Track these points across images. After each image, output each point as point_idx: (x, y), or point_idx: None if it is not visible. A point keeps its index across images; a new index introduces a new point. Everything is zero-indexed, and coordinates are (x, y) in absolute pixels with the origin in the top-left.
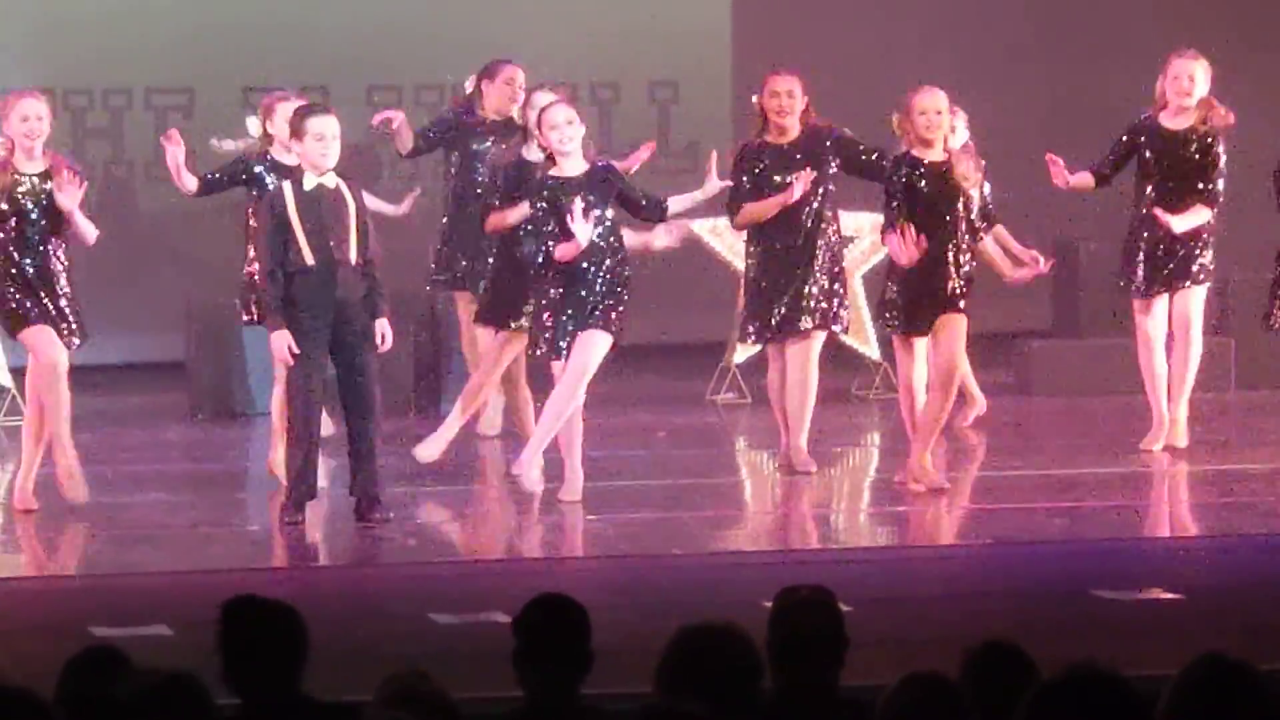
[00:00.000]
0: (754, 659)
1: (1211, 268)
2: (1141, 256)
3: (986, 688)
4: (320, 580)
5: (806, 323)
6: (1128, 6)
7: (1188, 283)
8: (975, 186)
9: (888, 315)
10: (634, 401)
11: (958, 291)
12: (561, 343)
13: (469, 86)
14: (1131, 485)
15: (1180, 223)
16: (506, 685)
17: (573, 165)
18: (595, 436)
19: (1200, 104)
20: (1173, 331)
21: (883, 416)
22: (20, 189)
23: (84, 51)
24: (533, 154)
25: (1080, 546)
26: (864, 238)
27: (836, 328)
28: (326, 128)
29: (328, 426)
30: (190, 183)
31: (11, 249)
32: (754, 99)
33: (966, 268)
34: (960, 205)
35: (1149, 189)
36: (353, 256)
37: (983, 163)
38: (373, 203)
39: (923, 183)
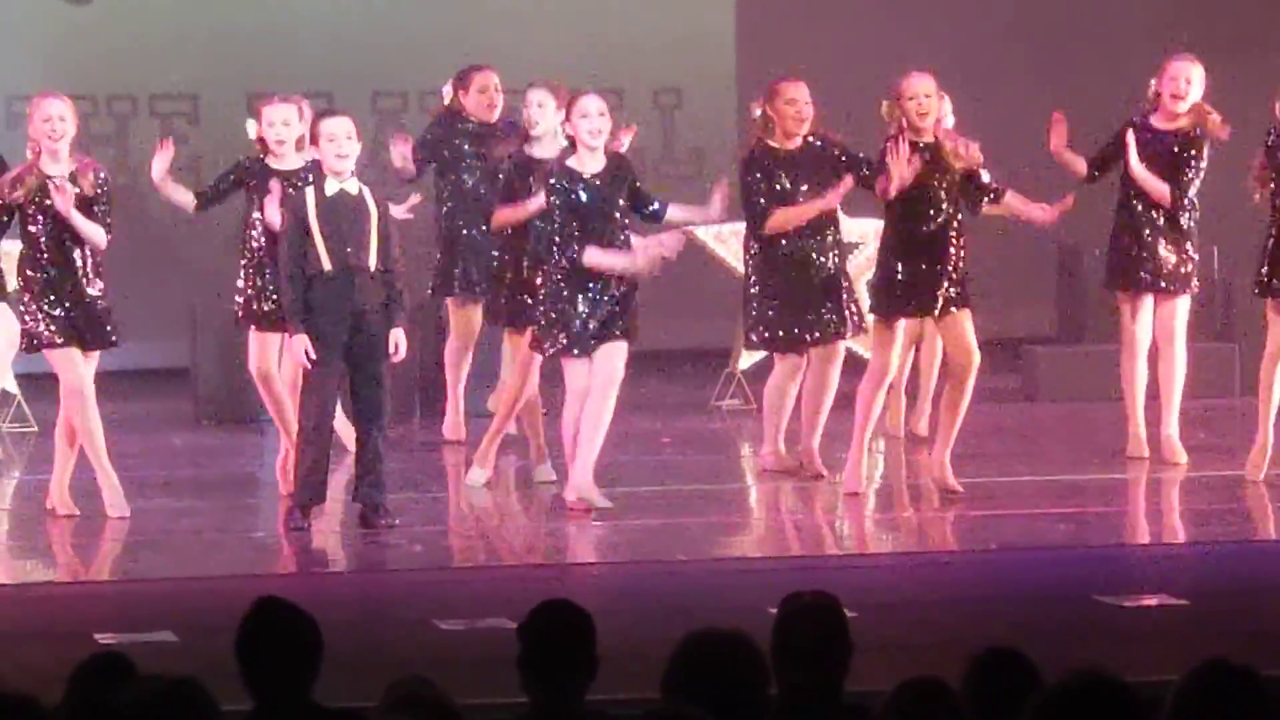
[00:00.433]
0: (760, 666)
1: (1195, 278)
2: (1128, 255)
3: (990, 693)
4: (325, 586)
5: (845, 330)
6: (1132, 8)
7: (1173, 289)
8: (972, 167)
9: (882, 297)
10: (638, 407)
11: (959, 276)
12: (589, 341)
13: (446, 95)
14: (1135, 491)
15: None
16: (511, 691)
17: (593, 161)
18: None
19: (1193, 108)
20: (1157, 344)
21: (883, 418)
22: (45, 191)
23: (88, 58)
24: (537, 150)
25: (1084, 552)
26: (868, 244)
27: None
28: (338, 128)
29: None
30: (187, 199)
31: (38, 253)
32: (759, 105)
33: (962, 251)
34: (950, 184)
35: (1131, 188)
36: (372, 263)
37: (974, 145)
38: None
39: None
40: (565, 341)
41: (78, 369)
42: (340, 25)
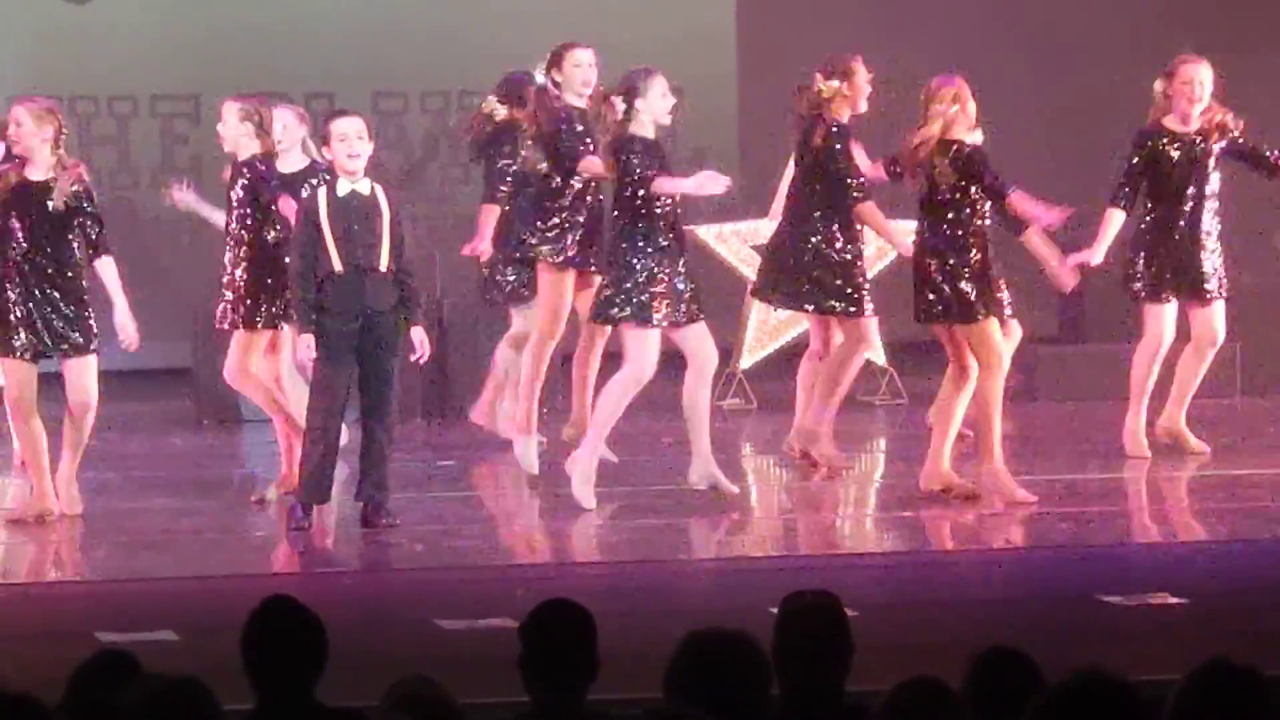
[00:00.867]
0: (762, 666)
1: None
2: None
3: (992, 693)
4: (327, 585)
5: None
6: (1132, 8)
7: (1214, 294)
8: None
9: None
10: (640, 407)
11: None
12: (681, 308)
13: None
14: (1137, 490)
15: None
16: (513, 691)
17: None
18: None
19: (1209, 109)
20: (1193, 343)
21: (889, 422)
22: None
23: (89, 58)
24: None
25: (1086, 551)
26: (870, 242)
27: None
28: (349, 128)
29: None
30: (219, 217)
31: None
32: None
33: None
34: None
35: (1158, 194)
36: (383, 264)
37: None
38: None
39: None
40: (665, 312)
41: (16, 383)
42: (341, 25)
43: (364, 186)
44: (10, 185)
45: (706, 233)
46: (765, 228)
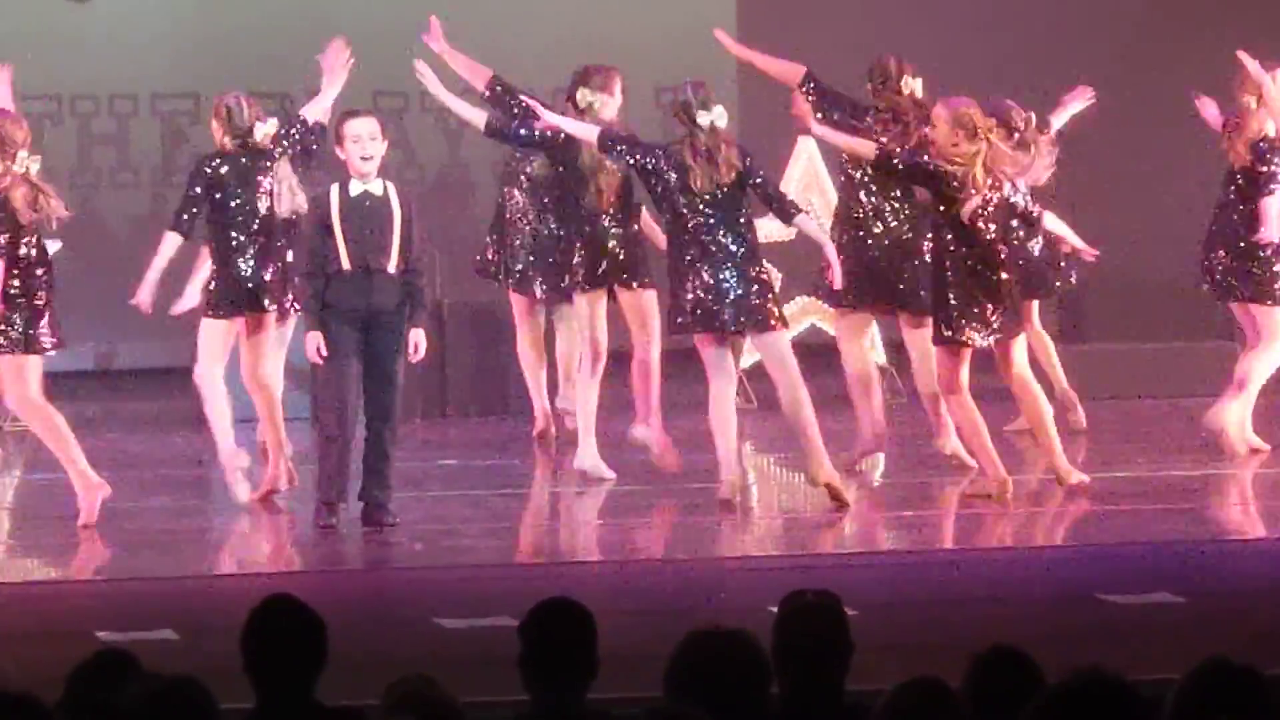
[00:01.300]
0: (762, 665)
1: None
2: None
3: (992, 693)
4: (327, 585)
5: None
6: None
7: (1268, 301)
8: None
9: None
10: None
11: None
12: (741, 317)
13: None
14: (1136, 490)
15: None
16: (513, 690)
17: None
18: (600, 442)
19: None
20: (1259, 339)
21: (887, 420)
22: None
23: (90, 57)
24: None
25: (1086, 551)
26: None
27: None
28: (361, 129)
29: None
30: (171, 245)
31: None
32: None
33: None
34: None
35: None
36: (392, 265)
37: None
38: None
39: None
40: (746, 320)
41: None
42: (341, 25)
43: (376, 187)
44: None
45: None
46: (765, 226)
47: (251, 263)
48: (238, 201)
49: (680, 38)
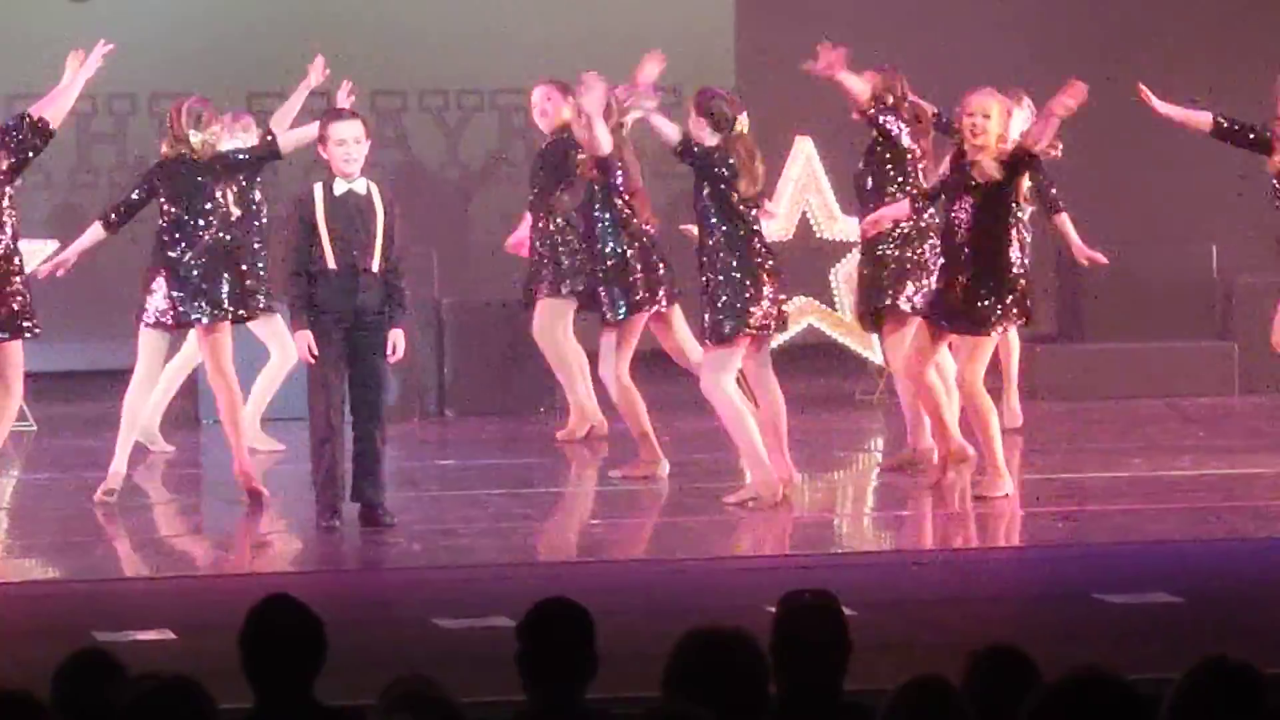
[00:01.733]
0: (760, 664)
1: None
2: None
3: (989, 692)
4: (324, 585)
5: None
6: (1133, 9)
7: None
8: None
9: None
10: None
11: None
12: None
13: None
14: (1134, 489)
15: None
16: (512, 689)
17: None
18: (600, 440)
19: None
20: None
21: (885, 421)
22: None
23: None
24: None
25: (1083, 550)
26: None
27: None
28: (347, 132)
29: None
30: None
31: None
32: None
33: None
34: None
35: None
36: (375, 264)
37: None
38: None
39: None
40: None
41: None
42: (339, 24)
43: (360, 186)
44: None
45: None
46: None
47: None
48: (175, 208)
49: (680, 38)
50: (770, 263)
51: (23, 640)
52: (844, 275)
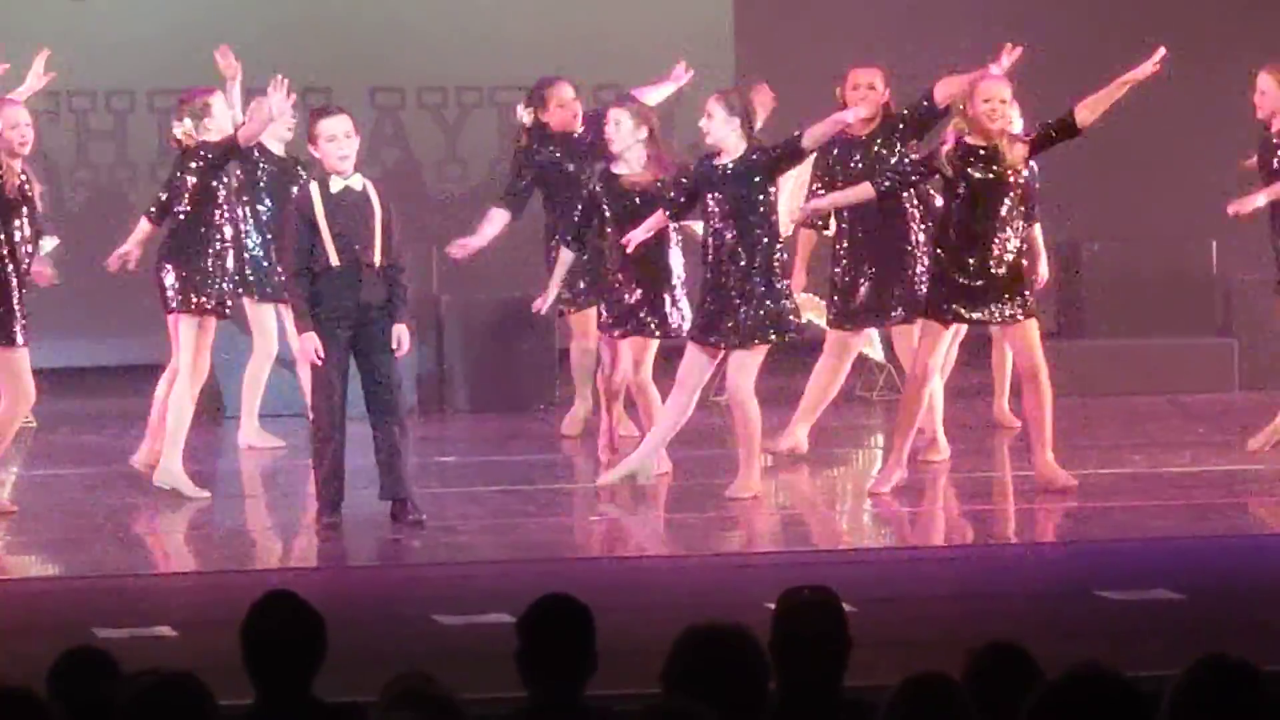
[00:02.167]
0: (760, 660)
1: None
2: None
3: (990, 689)
4: (324, 581)
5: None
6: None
7: None
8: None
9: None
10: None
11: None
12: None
13: (525, 118)
14: (1134, 486)
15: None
16: (512, 686)
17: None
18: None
19: None
20: None
21: (886, 418)
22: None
23: (87, 53)
24: (619, 168)
25: (1084, 547)
26: None
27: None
28: (337, 128)
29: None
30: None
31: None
32: (837, 90)
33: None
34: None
35: None
36: (377, 259)
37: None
38: None
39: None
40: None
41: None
42: (337, 21)
43: (356, 182)
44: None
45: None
46: None
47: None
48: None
49: (680, 38)
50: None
51: (23, 637)
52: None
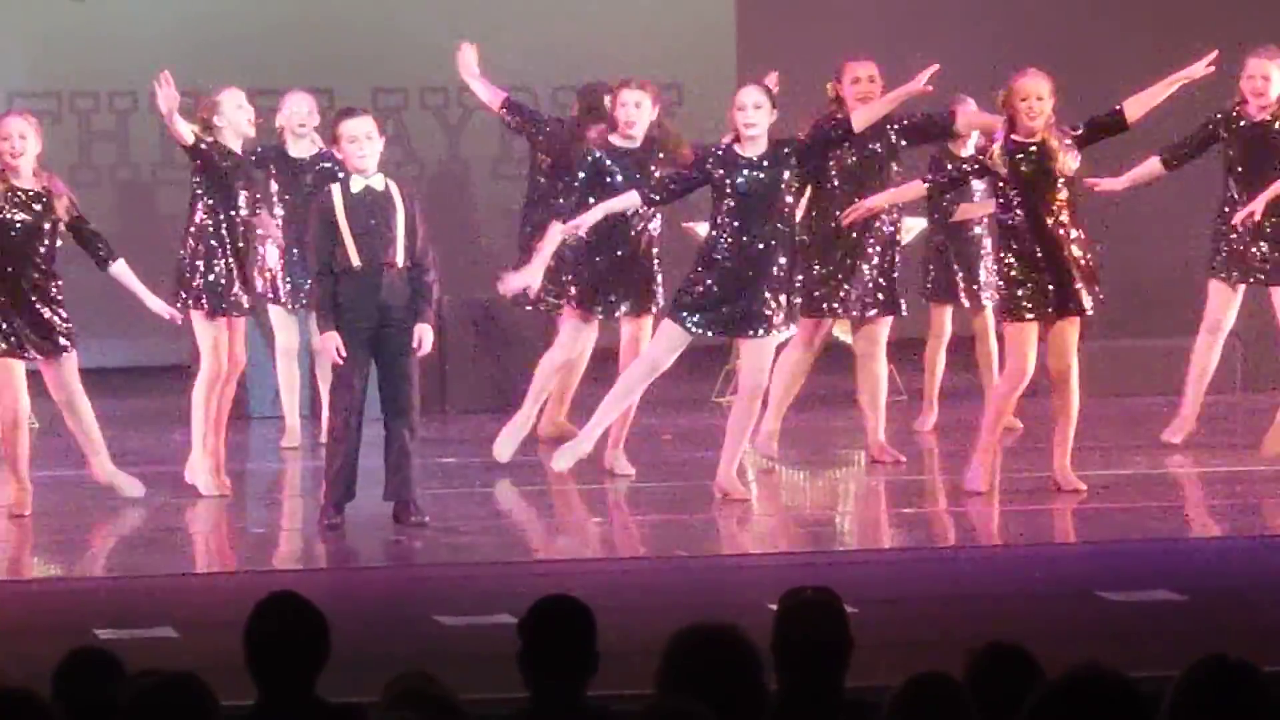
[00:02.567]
0: (754, 659)
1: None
2: (1225, 244)
3: (991, 689)
4: (327, 582)
5: (870, 309)
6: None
7: (1273, 280)
8: None
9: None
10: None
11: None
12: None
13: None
14: (1136, 487)
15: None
16: (513, 686)
17: (756, 149)
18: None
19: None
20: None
21: (888, 418)
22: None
23: (89, 53)
24: (620, 143)
25: (1085, 548)
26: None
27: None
28: (358, 129)
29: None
30: (186, 134)
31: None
32: (830, 85)
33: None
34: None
35: (1231, 181)
36: (399, 259)
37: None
38: None
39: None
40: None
41: (10, 387)
42: (339, 21)
43: (378, 182)
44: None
45: (705, 228)
46: None
47: None
48: None
49: (680, 38)
50: None
51: (25, 638)
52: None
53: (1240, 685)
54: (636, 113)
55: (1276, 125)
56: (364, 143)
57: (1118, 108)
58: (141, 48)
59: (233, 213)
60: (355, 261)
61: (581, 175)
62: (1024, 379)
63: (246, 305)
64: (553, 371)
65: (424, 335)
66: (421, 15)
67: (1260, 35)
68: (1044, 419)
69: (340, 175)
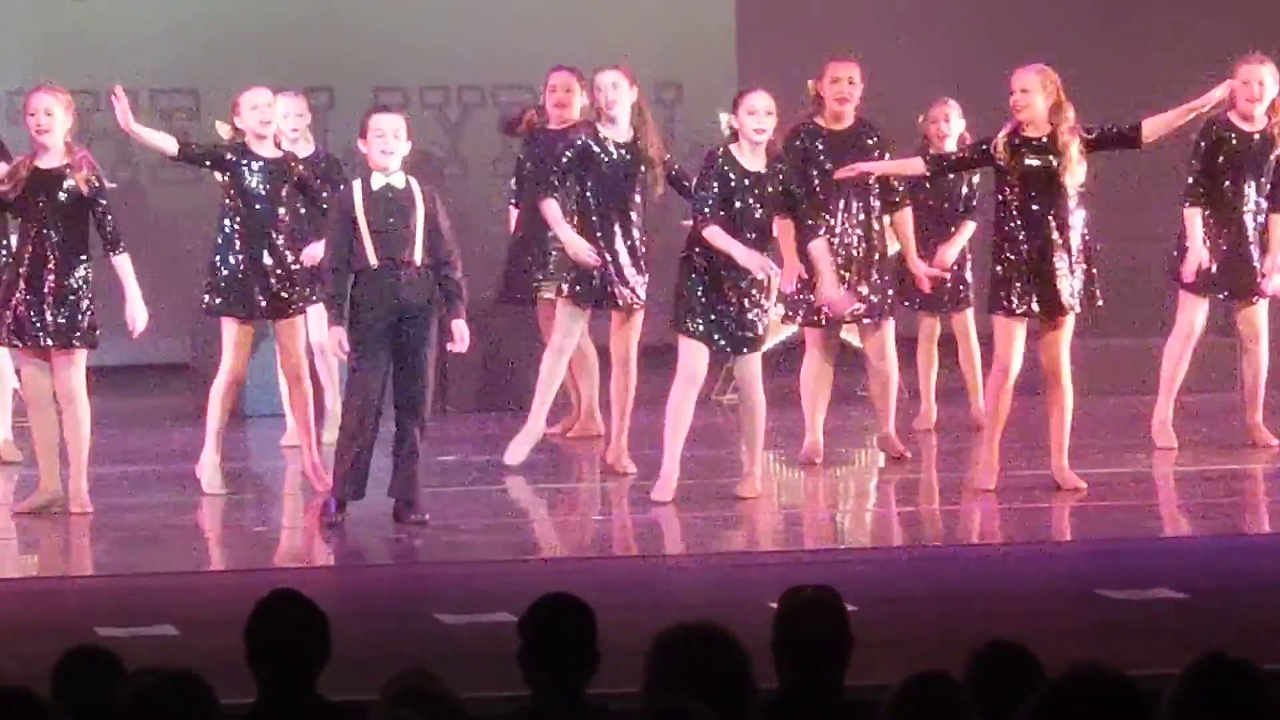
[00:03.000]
0: (739, 657)
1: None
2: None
3: (991, 688)
4: (327, 580)
5: (876, 313)
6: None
7: (1254, 296)
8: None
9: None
10: (638, 402)
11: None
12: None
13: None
14: (1136, 485)
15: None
16: (513, 685)
17: (755, 158)
18: (600, 438)
19: (1270, 108)
20: (1242, 343)
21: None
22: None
23: (89, 52)
24: (609, 131)
25: (1085, 546)
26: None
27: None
28: (386, 125)
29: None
30: (170, 145)
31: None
32: (810, 84)
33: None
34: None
35: (1215, 188)
36: (418, 258)
37: None
38: None
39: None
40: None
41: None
42: (340, 20)
43: (398, 180)
44: (22, 180)
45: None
46: None
47: None
48: None
49: (680, 38)
50: None
51: (25, 636)
52: None
53: (1240, 684)
54: (615, 93)
55: (1271, 134)
56: (390, 140)
57: (1137, 125)
58: (141, 48)
59: (252, 211)
60: (373, 260)
61: (568, 156)
62: (1009, 373)
63: (274, 307)
64: (557, 366)
65: (461, 331)
66: (421, 15)
67: (1257, 37)
68: (1040, 418)
69: (334, 177)
